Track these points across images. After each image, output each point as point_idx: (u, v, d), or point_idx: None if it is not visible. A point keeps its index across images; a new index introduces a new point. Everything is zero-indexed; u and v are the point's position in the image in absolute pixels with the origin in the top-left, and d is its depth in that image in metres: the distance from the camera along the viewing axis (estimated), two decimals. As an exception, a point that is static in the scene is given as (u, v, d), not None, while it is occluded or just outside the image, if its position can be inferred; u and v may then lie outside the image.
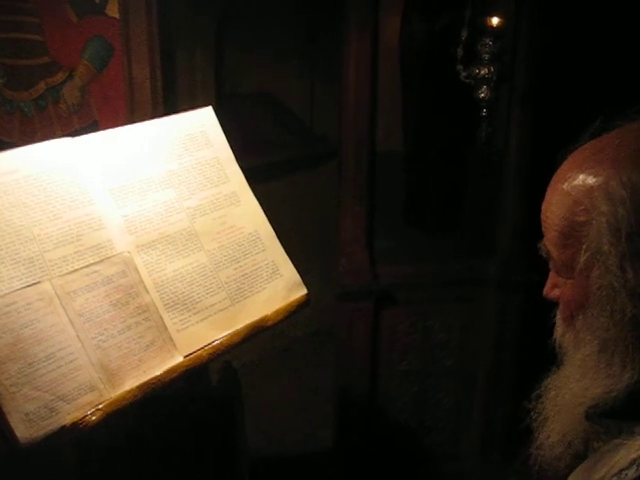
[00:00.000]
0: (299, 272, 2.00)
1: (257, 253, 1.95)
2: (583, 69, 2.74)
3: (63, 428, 1.49)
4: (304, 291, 1.98)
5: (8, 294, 1.53)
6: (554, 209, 1.12)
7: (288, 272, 1.98)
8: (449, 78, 2.70)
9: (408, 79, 2.82)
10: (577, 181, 1.08)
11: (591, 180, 1.06)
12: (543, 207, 1.15)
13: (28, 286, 1.56)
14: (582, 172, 1.08)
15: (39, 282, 1.58)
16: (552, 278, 1.20)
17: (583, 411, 1.10)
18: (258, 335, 1.86)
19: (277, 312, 1.90)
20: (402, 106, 2.84)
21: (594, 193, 1.05)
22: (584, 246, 1.06)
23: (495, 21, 2.59)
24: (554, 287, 1.19)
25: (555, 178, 1.13)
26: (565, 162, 1.14)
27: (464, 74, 2.65)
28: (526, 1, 2.65)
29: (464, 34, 2.64)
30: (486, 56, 2.62)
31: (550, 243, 1.14)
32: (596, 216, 1.04)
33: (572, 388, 1.12)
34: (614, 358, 1.06)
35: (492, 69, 2.61)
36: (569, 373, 1.15)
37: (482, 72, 2.62)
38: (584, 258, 1.06)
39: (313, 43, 3.48)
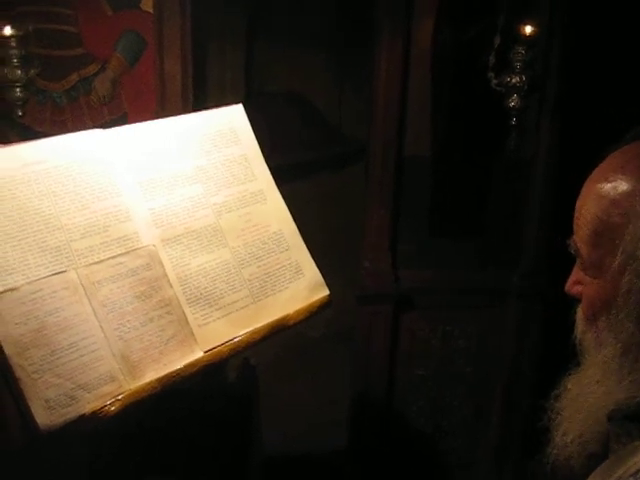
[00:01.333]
0: (321, 273, 2.00)
1: (281, 252, 1.96)
2: (614, 79, 2.71)
3: (82, 417, 1.51)
4: (326, 292, 1.99)
5: (35, 281, 1.54)
6: (589, 207, 1.11)
7: (311, 272, 1.98)
8: (480, 85, 2.69)
9: (439, 84, 2.81)
10: (617, 183, 1.09)
11: (632, 184, 1.07)
12: (578, 204, 1.15)
13: (54, 274, 1.58)
14: (623, 174, 1.09)
15: (65, 271, 1.60)
16: (576, 274, 1.20)
17: (604, 414, 1.09)
18: (279, 334, 1.86)
19: (298, 312, 1.91)
20: (431, 111, 2.83)
21: (635, 197, 1.05)
22: (620, 249, 1.06)
23: (528, 30, 2.58)
24: (577, 284, 1.19)
25: (593, 177, 1.13)
26: (605, 162, 1.14)
27: (495, 82, 2.65)
28: (560, 10, 2.64)
29: (497, 42, 2.63)
30: (518, 64, 2.61)
31: (581, 240, 1.14)
32: (634, 220, 1.04)
33: (595, 391, 1.11)
34: (638, 364, 1.06)
35: (523, 78, 2.60)
36: (591, 374, 1.14)
37: (513, 80, 2.61)
38: (618, 260, 1.07)
39: (344, 44, 3.48)
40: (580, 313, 1.18)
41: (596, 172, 1.13)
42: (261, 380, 2.12)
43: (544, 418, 1.24)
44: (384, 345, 2.94)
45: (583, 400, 1.14)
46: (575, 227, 1.15)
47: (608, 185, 1.09)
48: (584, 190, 1.14)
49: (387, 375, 2.99)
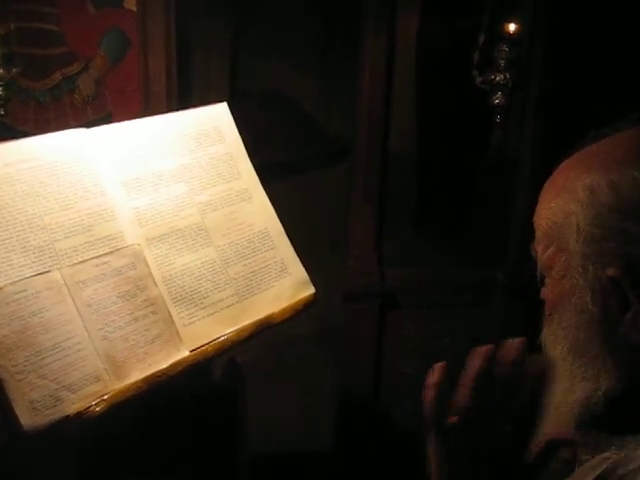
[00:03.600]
0: (306, 271, 2.00)
1: (266, 250, 1.95)
2: (599, 77, 2.73)
3: (67, 417, 1.49)
4: (312, 290, 1.98)
5: (18, 282, 1.53)
6: (539, 209, 1.16)
7: (297, 271, 1.98)
8: (464, 83, 2.70)
9: (423, 82, 2.82)
10: (558, 184, 1.13)
11: (567, 183, 1.10)
12: (536, 209, 1.19)
13: (38, 274, 1.56)
14: (561, 176, 1.13)
15: (49, 271, 1.58)
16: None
17: (570, 417, 1.10)
18: (264, 333, 1.86)
19: (284, 310, 1.90)
20: (416, 109, 2.84)
21: (567, 194, 1.09)
22: (557, 245, 1.10)
23: (512, 28, 2.60)
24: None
25: (547, 181, 1.17)
26: (559, 166, 1.17)
27: (479, 80, 2.66)
28: (544, 8, 2.65)
29: (481, 40, 2.64)
30: (502, 62, 2.62)
31: (536, 243, 1.17)
32: (572, 218, 1.08)
33: (555, 391, 1.13)
34: (586, 360, 1.07)
35: (508, 76, 2.61)
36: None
37: (498, 78, 2.62)
38: (557, 258, 1.10)
39: (328, 42, 3.48)
40: (544, 316, 1.20)
41: (550, 177, 1.17)
42: (247, 378, 2.11)
43: None
44: (370, 343, 2.95)
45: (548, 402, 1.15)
46: (535, 233, 1.19)
47: (554, 186, 1.13)
48: (539, 198, 1.17)
49: (373, 373, 2.99)
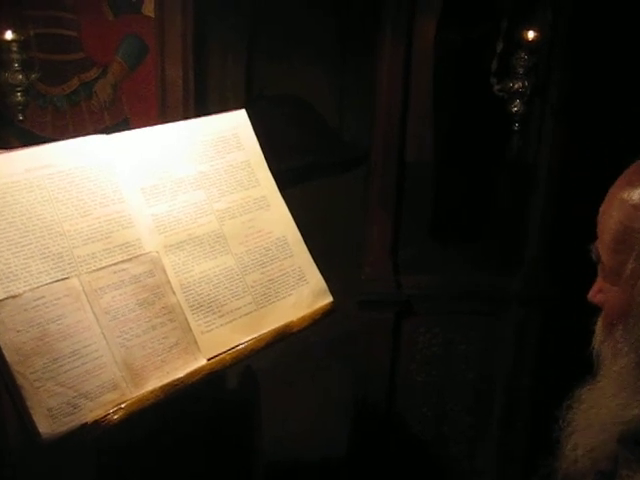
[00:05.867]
0: (324, 279, 1.99)
1: (284, 258, 1.94)
2: (618, 84, 2.71)
3: (85, 425, 1.49)
4: (330, 299, 1.97)
5: (37, 288, 1.53)
6: (612, 212, 1.10)
7: (314, 279, 1.97)
8: (482, 90, 2.69)
9: (441, 89, 2.81)
10: (635, 186, 1.08)
11: None
12: (601, 209, 1.14)
13: (56, 281, 1.56)
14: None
15: (67, 278, 1.58)
16: (599, 282, 1.18)
17: (618, 431, 1.07)
18: (282, 341, 1.85)
19: (302, 319, 1.89)
20: (433, 116, 2.83)
21: None
22: (634, 253, 1.04)
23: (531, 35, 2.58)
24: (599, 292, 1.17)
25: (617, 183, 1.13)
26: (630, 168, 1.13)
27: (497, 87, 2.64)
28: (563, 16, 2.63)
29: (499, 47, 2.63)
30: (520, 70, 2.61)
31: (602, 246, 1.12)
32: None
33: (608, 404, 1.09)
34: None
35: (526, 83, 2.60)
36: (605, 385, 1.12)
37: (516, 86, 2.61)
38: (632, 266, 1.05)
39: (345, 47, 3.47)
40: (600, 323, 1.16)
41: (620, 178, 1.12)
42: (261, 385, 2.11)
43: (554, 428, 1.22)
44: (385, 351, 2.93)
45: (596, 413, 1.11)
46: (598, 233, 1.14)
47: (631, 189, 1.08)
48: (608, 195, 1.13)
49: (388, 381, 2.98)
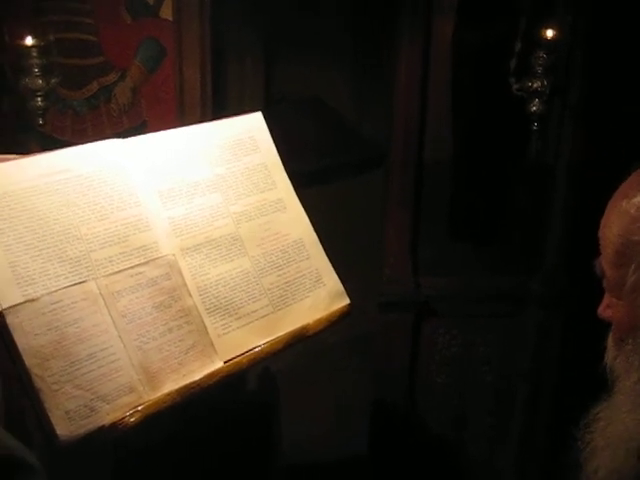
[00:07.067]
0: (341, 280, 1.99)
1: (301, 261, 1.94)
2: (638, 84, 2.67)
3: (102, 428, 1.50)
4: (347, 301, 1.97)
5: (55, 292, 1.54)
6: (612, 226, 1.08)
7: (331, 281, 1.97)
8: (501, 90, 2.67)
9: (459, 89, 2.79)
10: (637, 199, 1.05)
11: None
12: (602, 223, 1.12)
13: (74, 285, 1.57)
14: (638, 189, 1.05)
15: (85, 281, 1.59)
16: (607, 298, 1.16)
17: (637, 447, 1.05)
18: (298, 344, 1.85)
19: (319, 321, 1.89)
20: (452, 116, 2.81)
21: None
22: (633, 265, 1.02)
23: (550, 34, 2.56)
24: (608, 307, 1.15)
25: (616, 194, 1.10)
26: (628, 179, 1.10)
27: (516, 87, 2.62)
28: (582, 14, 2.61)
29: (518, 46, 2.61)
30: (539, 69, 2.59)
31: (605, 261, 1.10)
32: None
33: (625, 420, 1.06)
34: None
35: (545, 82, 2.58)
36: (620, 402, 1.10)
37: (535, 85, 2.59)
38: (632, 278, 1.03)
39: (363, 47, 3.47)
40: (611, 338, 1.14)
41: (619, 190, 1.10)
42: (280, 387, 2.11)
43: (574, 447, 1.20)
44: (404, 352, 2.92)
45: (612, 431, 1.09)
46: (600, 247, 1.12)
47: (628, 202, 1.06)
48: (608, 209, 1.10)
49: (407, 382, 2.97)
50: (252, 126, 2.01)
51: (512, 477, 3.08)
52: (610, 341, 1.15)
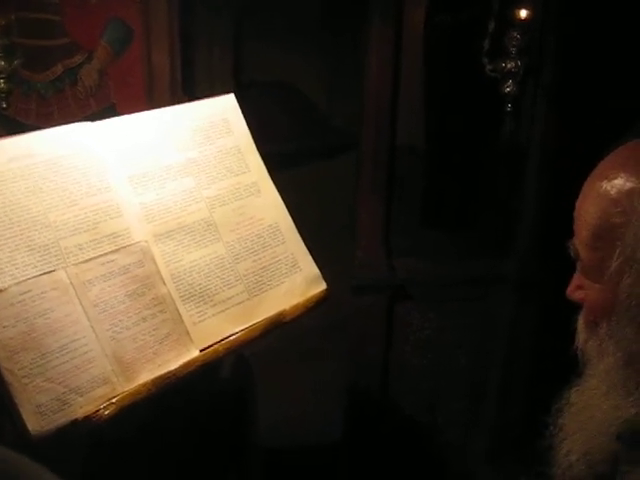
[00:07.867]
0: (317, 266, 1.96)
1: (276, 246, 1.91)
2: (612, 65, 2.67)
3: (75, 421, 1.46)
4: (323, 286, 1.95)
5: (23, 282, 1.49)
6: (589, 207, 1.06)
7: (307, 266, 1.94)
8: (474, 71, 2.65)
9: (431, 71, 2.77)
10: (617, 180, 1.03)
11: (633, 181, 1.01)
12: (577, 203, 1.09)
13: (43, 274, 1.52)
14: (624, 171, 1.03)
15: (54, 270, 1.54)
16: (577, 279, 1.14)
17: (613, 431, 1.03)
18: (275, 330, 1.82)
19: (295, 307, 1.86)
20: (424, 99, 2.79)
21: (635, 195, 0.99)
22: (617, 250, 1.00)
23: (523, 14, 2.54)
24: (578, 288, 1.14)
25: (593, 175, 1.07)
26: (605, 159, 1.08)
27: (489, 67, 2.60)
28: (553, -5, 2.60)
29: (491, 26, 2.59)
30: (513, 50, 2.57)
31: (580, 243, 1.08)
32: (635, 220, 0.98)
33: (600, 405, 1.05)
34: None
35: (519, 63, 2.56)
36: (594, 386, 1.08)
37: (508, 66, 2.57)
38: (617, 263, 1.01)
39: (333, 31, 3.43)
40: (581, 320, 1.12)
41: (596, 170, 1.07)
42: (254, 371, 2.08)
43: (545, 433, 1.18)
44: (378, 335, 2.92)
45: (588, 415, 1.08)
46: (575, 228, 1.09)
47: (608, 184, 1.04)
48: (584, 189, 1.08)
49: (381, 365, 2.96)
50: (225, 108, 1.97)
51: (486, 462, 3.10)
52: (581, 323, 1.13)
